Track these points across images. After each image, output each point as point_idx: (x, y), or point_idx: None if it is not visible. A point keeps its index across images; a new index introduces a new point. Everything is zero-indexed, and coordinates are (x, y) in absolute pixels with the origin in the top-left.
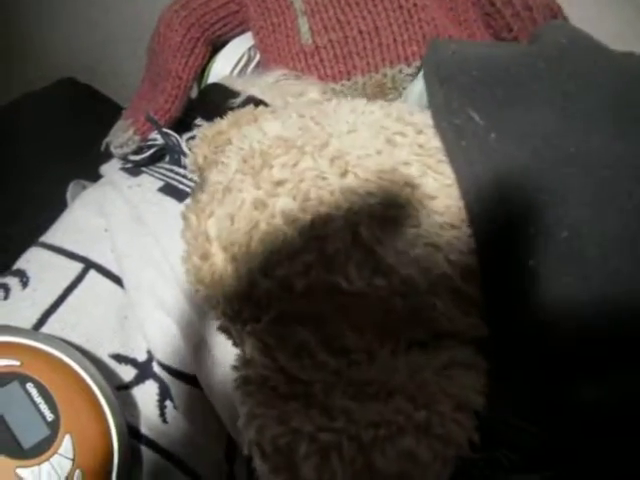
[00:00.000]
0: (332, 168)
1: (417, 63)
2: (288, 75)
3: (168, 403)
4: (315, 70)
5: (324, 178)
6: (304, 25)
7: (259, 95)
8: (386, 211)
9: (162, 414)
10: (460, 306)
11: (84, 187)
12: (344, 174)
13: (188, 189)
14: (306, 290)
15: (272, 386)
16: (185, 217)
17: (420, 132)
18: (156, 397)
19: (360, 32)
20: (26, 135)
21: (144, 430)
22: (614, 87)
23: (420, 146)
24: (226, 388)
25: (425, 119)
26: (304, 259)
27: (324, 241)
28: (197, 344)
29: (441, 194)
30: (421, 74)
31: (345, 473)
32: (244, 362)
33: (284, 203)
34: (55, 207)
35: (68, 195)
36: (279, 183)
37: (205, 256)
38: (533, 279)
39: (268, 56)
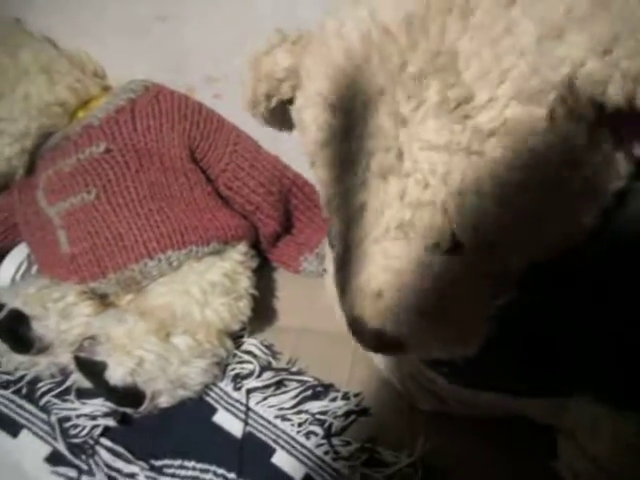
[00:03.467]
0: None
1: (159, 256)
2: (50, 283)
3: None
4: (75, 273)
5: None
6: (62, 237)
7: (21, 306)
8: None
9: None
10: None
11: None
12: None
13: None
14: None
15: None
16: None
17: None
18: None
19: (107, 239)
20: None
21: None
22: None
23: None
24: None
25: None
26: None
27: None
28: None
29: None
30: None
31: None
32: None
33: None
34: None
35: None
36: None
37: None
38: None
39: (39, 263)
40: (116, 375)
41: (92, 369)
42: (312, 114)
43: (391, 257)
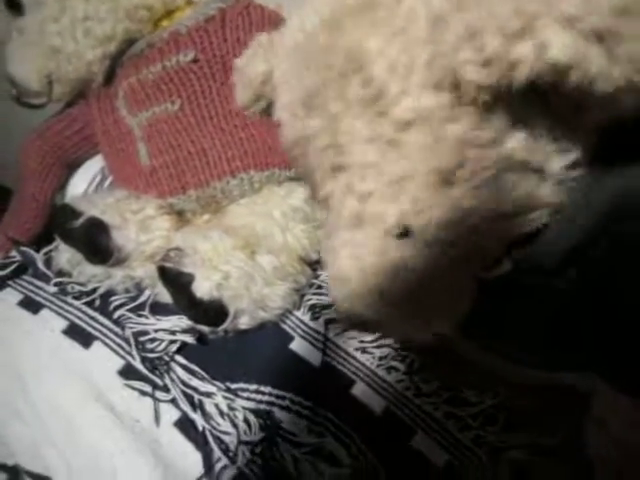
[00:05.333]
0: None
1: (241, 175)
2: (129, 195)
3: None
4: (154, 187)
5: None
6: (143, 149)
7: (99, 215)
8: None
9: None
10: None
11: None
12: None
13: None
14: None
15: None
16: None
17: None
18: None
19: (190, 153)
20: None
21: None
22: None
23: None
24: None
25: None
26: None
27: None
28: None
29: None
30: None
31: None
32: None
33: None
34: None
35: None
36: None
37: None
38: None
39: (115, 176)
40: (203, 288)
41: (178, 280)
42: (283, 116)
43: (353, 245)
